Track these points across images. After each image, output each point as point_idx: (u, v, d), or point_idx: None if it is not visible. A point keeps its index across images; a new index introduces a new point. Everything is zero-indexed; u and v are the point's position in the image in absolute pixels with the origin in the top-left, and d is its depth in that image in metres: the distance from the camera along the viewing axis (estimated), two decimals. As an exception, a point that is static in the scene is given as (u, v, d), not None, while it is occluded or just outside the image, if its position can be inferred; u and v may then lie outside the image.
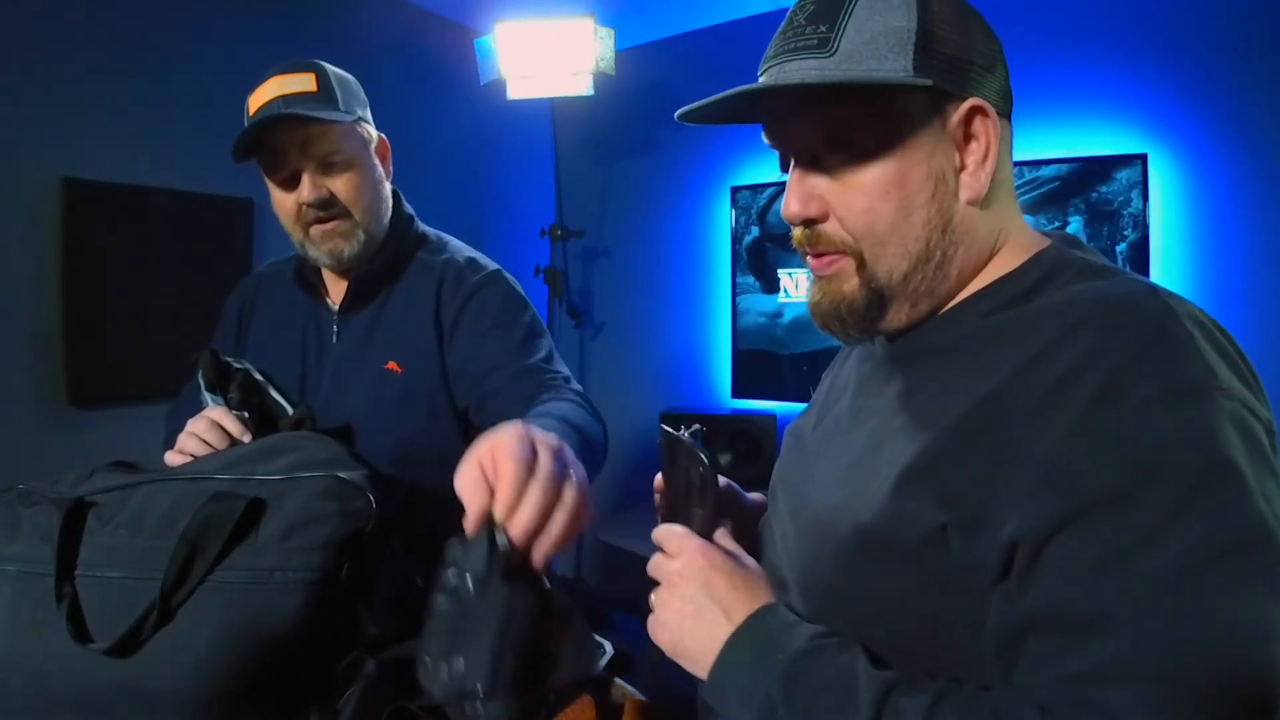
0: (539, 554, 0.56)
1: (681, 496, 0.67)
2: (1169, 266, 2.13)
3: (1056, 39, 2.27)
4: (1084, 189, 2.16)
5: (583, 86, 2.60)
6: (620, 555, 2.45)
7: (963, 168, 0.59)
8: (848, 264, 0.61)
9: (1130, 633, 0.44)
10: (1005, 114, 0.61)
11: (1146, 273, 2.08)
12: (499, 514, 0.55)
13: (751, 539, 0.78)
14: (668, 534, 0.65)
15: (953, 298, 0.61)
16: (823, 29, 0.57)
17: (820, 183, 0.60)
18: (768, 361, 2.75)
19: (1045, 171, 2.20)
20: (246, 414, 0.96)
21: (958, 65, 0.57)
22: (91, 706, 0.69)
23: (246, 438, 0.92)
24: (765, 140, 0.64)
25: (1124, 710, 0.44)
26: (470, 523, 0.56)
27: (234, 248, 2.19)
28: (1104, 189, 2.14)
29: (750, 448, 2.58)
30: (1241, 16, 2.03)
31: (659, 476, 0.75)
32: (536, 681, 0.55)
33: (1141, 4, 2.16)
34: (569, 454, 0.62)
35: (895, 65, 0.56)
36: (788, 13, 0.61)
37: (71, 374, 1.91)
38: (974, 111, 0.58)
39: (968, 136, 0.58)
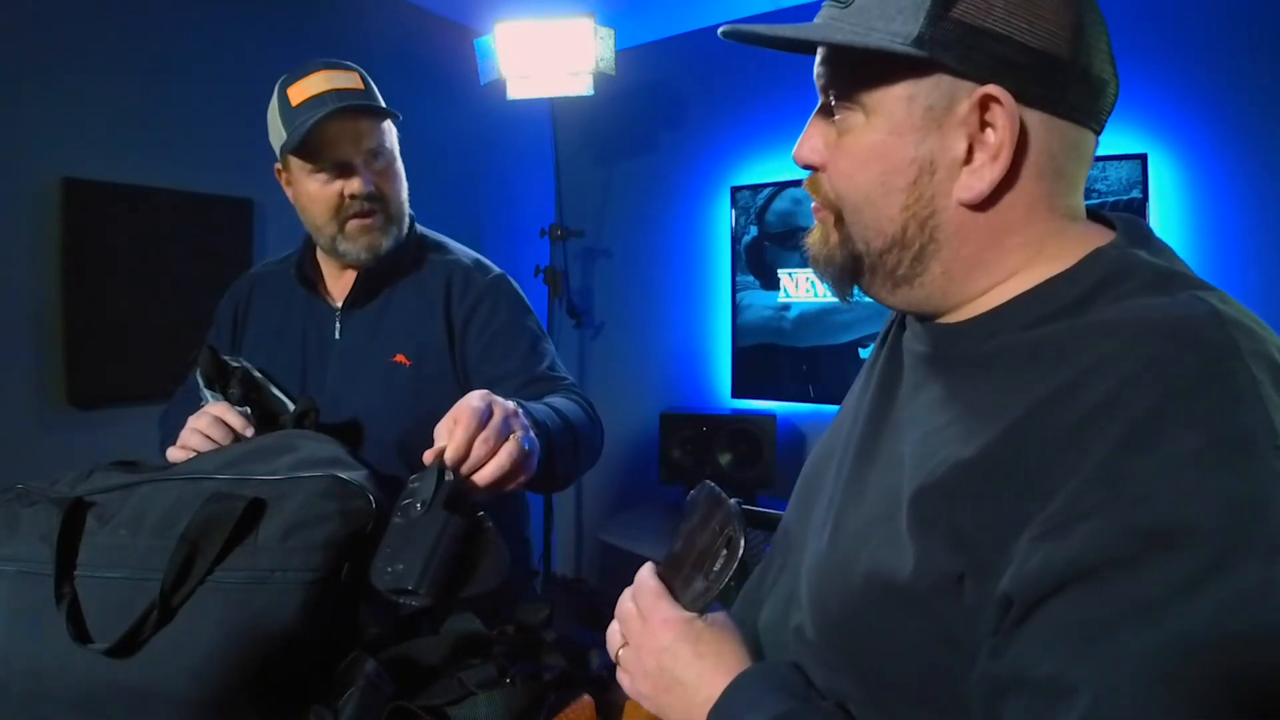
0: (477, 485, 0.74)
1: (694, 558, 0.62)
2: (1169, 266, 2.13)
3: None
4: (1084, 189, 2.16)
5: (583, 86, 2.60)
6: (619, 555, 2.45)
7: (968, 161, 0.51)
8: (828, 216, 0.59)
9: (1097, 713, 0.39)
10: (1071, 116, 0.52)
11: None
12: (447, 453, 0.72)
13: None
14: (643, 588, 0.63)
15: (955, 299, 0.56)
16: None
17: (826, 133, 0.57)
18: (769, 359, 2.75)
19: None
20: (248, 409, 0.96)
21: (979, 40, 0.49)
22: (91, 706, 0.69)
23: (249, 432, 0.92)
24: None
25: None
26: (427, 455, 0.73)
27: (234, 248, 2.18)
28: (1104, 189, 2.14)
29: (750, 448, 2.58)
30: (1241, 16, 2.03)
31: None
32: (453, 588, 0.70)
33: (1141, 4, 2.16)
34: (523, 420, 0.80)
35: (900, 28, 0.50)
36: None
37: (71, 374, 1.91)
38: (989, 99, 0.49)
39: (985, 127, 0.51)
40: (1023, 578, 0.42)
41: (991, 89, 0.49)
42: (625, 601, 0.65)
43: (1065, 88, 0.51)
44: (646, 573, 0.64)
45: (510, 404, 0.80)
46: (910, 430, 0.56)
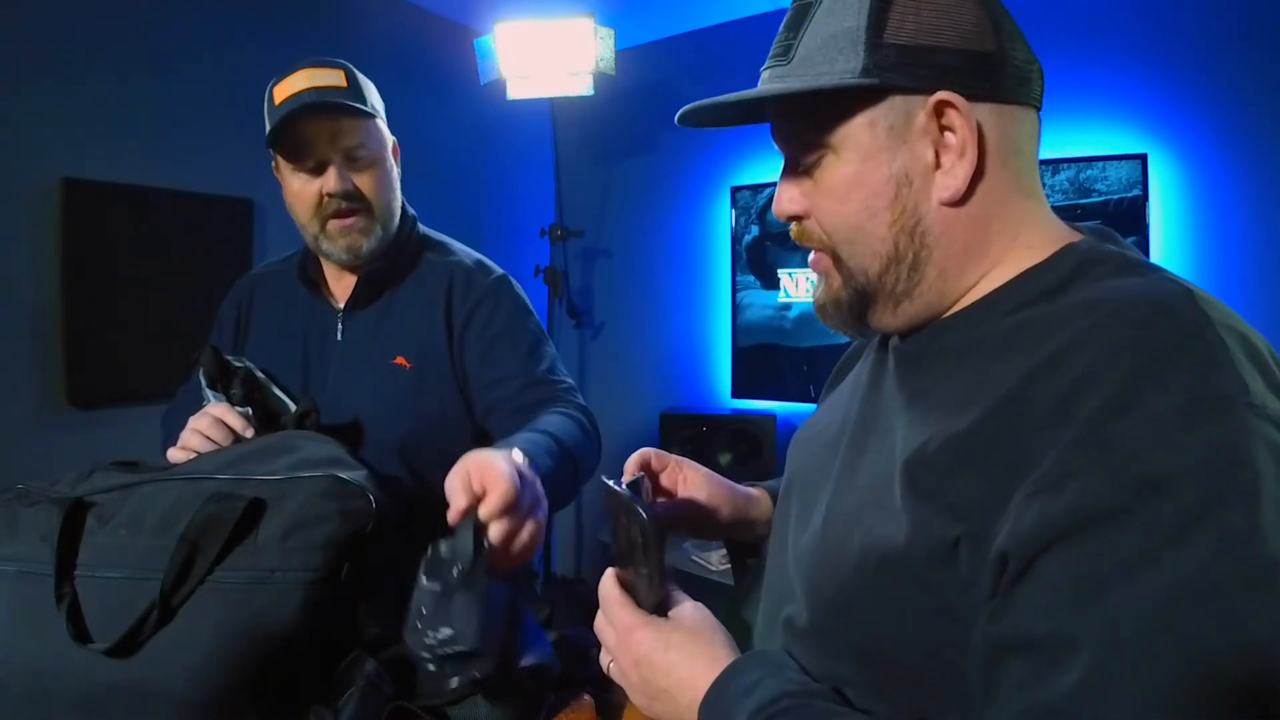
0: (501, 562, 0.71)
1: (625, 554, 0.64)
2: (1168, 267, 2.12)
3: (1056, 39, 2.27)
4: (1084, 189, 2.16)
5: (583, 86, 2.60)
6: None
7: (938, 166, 0.55)
8: (828, 260, 0.62)
9: (1101, 664, 0.40)
10: (1014, 99, 0.56)
11: (1146, 273, 2.08)
12: (485, 515, 0.69)
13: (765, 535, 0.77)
14: (606, 600, 0.64)
15: (951, 298, 0.58)
16: (789, 36, 0.58)
17: (800, 182, 0.61)
18: (769, 359, 2.75)
19: (1045, 172, 2.20)
20: (249, 410, 0.96)
21: (917, 56, 0.53)
22: (91, 706, 0.69)
23: (249, 433, 0.92)
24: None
25: None
26: (453, 515, 0.70)
27: (234, 248, 2.19)
28: (1104, 189, 2.14)
29: (750, 448, 2.58)
30: (1241, 16, 2.03)
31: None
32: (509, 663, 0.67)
33: (1141, 4, 2.16)
34: (539, 490, 0.77)
35: (844, 67, 0.54)
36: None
37: (71, 374, 1.91)
38: (943, 105, 0.54)
39: (944, 131, 0.55)
40: (1018, 533, 0.44)
41: (942, 95, 0.54)
42: (598, 618, 0.66)
43: (1000, 76, 0.55)
44: (608, 582, 0.65)
45: (528, 470, 0.77)
46: (900, 417, 0.58)
